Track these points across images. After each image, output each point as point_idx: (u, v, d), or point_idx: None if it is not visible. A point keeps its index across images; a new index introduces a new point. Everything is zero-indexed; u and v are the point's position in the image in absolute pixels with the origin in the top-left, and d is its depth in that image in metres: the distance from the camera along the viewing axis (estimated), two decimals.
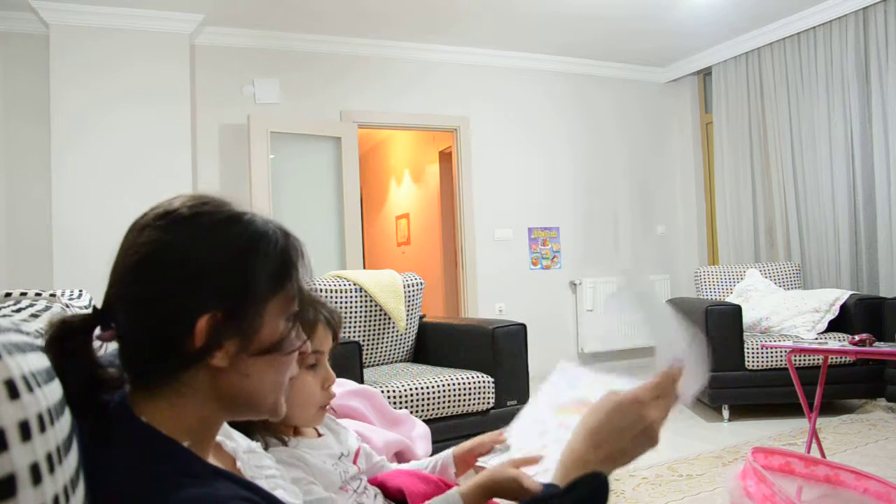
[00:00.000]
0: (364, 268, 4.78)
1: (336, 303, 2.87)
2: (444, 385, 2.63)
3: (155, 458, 0.60)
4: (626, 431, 0.70)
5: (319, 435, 1.08)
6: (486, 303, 4.91)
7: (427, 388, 2.59)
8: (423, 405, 2.57)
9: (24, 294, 0.91)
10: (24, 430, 0.45)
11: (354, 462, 1.08)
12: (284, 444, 0.98)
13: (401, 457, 1.40)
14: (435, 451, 1.26)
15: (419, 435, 1.55)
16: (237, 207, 0.68)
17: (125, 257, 0.64)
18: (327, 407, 1.05)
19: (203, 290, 0.62)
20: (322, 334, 1.03)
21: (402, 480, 1.08)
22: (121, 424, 0.61)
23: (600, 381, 0.92)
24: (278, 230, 0.69)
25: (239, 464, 0.77)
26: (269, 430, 0.97)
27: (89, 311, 0.63)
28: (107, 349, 0.67)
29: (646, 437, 0.70)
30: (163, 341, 0.62)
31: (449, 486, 1.10)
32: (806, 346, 2.97)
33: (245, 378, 0.65)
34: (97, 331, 0.64)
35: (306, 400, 1.00)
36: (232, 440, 0.80)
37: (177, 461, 0.60)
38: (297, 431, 1.04)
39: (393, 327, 3.02)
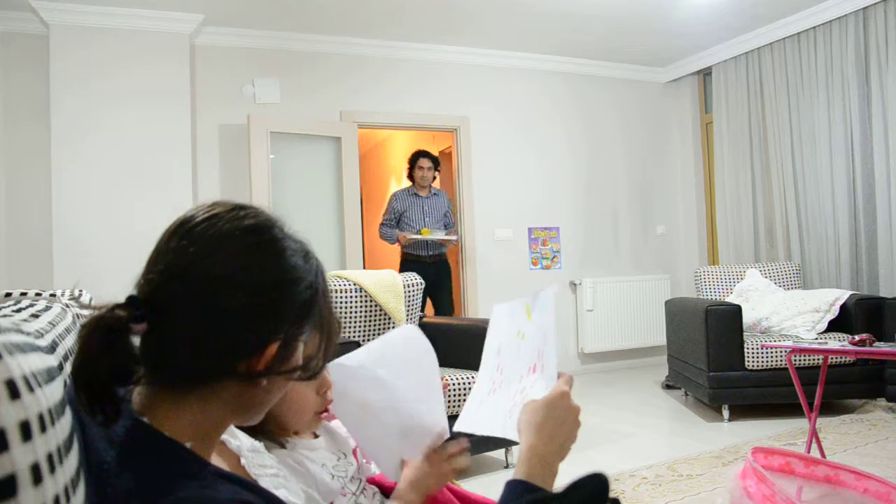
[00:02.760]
0: (364, 268, 4.78)
1: (336, 303, 2.87)
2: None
3: (157, 459, 0.59)
4: (566, 421, 0.78)
5: (316, 437, 1.07)
6: (486, 303, 4.91)
7: None
8: None
9: (24, 294, 0.91)
10: (25, 431, 0.45)
11: (354, 454, 1.08)
12: (282, 446, 0.98)
13: None
14: None
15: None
16: (296, 231, 0.70)
17: (208, 259, 0.62)
18: (323, 414, 1.05)
19: (281, 317, 0.64)
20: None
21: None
22: (123, 424, 0.61)
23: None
24: (316, 258, 0.71)
25: (243, 461, 0.77)
26: (266, 433, 0.96)
27: (125, 302, 0.60)
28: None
29: (576, 423, 0.79)
30: (222, 355, 0.62)
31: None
32: (806, 346, 2.97)
33: (266, 393, 0.67)
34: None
35: (302, 407, 1.00)
36: (236, 439, 0.80)
37: (179, 462, 0.60)
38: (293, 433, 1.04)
39: (393, 327, 3.02)
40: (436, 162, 4.78)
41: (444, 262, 4.72)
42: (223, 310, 0.61)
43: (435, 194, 4.80)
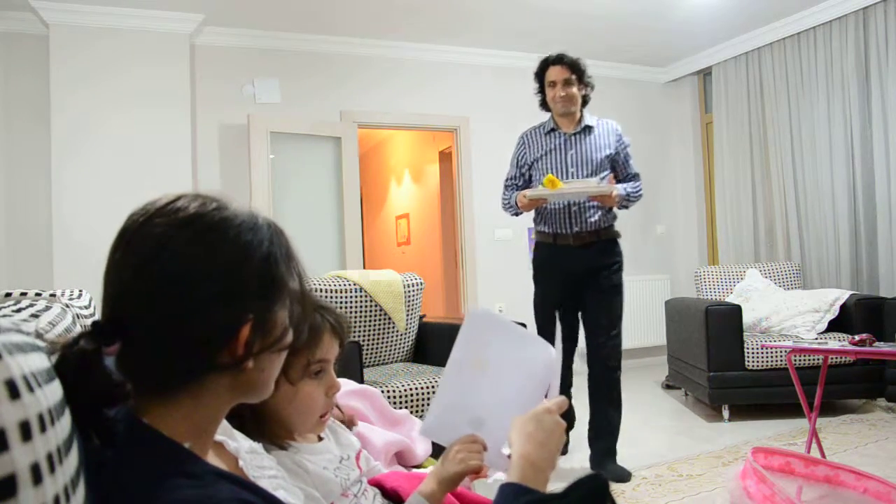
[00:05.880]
0: (364, 268, 4.78)
1: (336, 303, 2.87)
2: None
3: (156, 459, 0.59)
4: (553, 432, 0.83)
5: (320, 439, 1.07)
6: (486, 303, 4.91)
7: (427, 388, 2.59)
8: (423, 405, 2.57)
9: (24, 294, 0.91)
10: (25, 431, 0.45)
11: (356, 462, 1.08)
12: (282, 448, 0.97)
13: (401, 457, 1.39)
14: (435, 452, 1.25)
15: (419, 435, 1.55)
16: (241, 206, 0.68)
17: (150, 266, 0.61)
18: (327, 416, 1.04)
19: (243, 297, 0.63)
20: (328, 342, 1.00)
21: (399, 483, 1.07)
22: (123, 426, 0.61)
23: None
24: (272, 224, 0.69)
25: (241, 463, 0.77)
26: (268, 436, 0.96)
27: (90, 328, 0.60)
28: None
29: (562, 438, 0.84)
30: (197, 350, 0.61)
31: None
32: (806, 346, 2.97)
33: (261, 373, 0.67)
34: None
35: (309, 408, 0.99)
36: (234, 440, 0.80)
37: (178, 463, 0.60)
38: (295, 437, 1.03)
39: (393, 327, 3.02)
40: (579, 70, 2.80)
41: (606, 244, 2.75)
42: (181, 309, 0.60)
43: (586, 127, 2.85)
